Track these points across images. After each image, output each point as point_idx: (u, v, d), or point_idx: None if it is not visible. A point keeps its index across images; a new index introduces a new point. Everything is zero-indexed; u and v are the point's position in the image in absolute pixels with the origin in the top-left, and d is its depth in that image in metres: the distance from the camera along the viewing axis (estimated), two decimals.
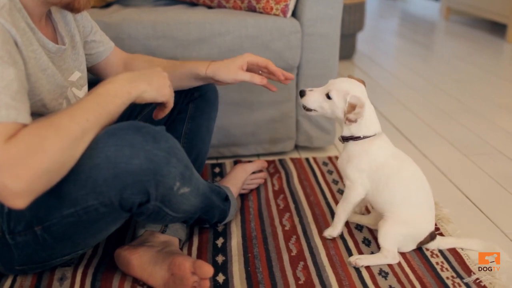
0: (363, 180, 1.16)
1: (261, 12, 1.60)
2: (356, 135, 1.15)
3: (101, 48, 1.18)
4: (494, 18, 3.85)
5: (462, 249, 1.19)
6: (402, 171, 1.15)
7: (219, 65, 1.17)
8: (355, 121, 1.11)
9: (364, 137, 1.14)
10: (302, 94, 1.18)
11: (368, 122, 1.14)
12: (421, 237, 1.16)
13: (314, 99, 1.16)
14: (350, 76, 1.18)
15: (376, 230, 1.22)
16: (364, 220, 1.29)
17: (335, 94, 1.13)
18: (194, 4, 1.74)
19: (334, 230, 1.22)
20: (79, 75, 1.06)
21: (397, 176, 1.14)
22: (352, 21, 2.99)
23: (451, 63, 3.17)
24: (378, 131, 1.16)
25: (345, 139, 1.17)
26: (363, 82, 1.17)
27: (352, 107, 1.10)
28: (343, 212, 1.20)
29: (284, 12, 1.57)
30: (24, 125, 0.75)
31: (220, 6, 1.67)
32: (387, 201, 1.15)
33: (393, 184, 1.14)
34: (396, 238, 1.14)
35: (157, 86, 0.95)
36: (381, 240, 1.14)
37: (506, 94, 2.54)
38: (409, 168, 1.17)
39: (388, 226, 1.13)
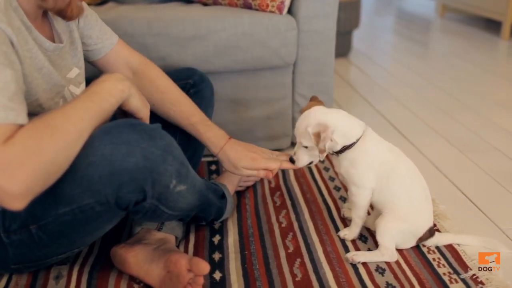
0: (368, 181, 1.14)
1: (257, 9, 1.60)
2: (349, 143, 1.12)
3: (99, 45, 1.15)
4: (489, 16, 3.86)
5: (458, 245, 1.19)
6: (399, 166, 1.15)
7: (229, 158, 1.15)
8: (325, 149, 1.06)
9: (357, 140, 1.12)
10: (291, 161, 1.16)
11: (350, 127, 1.11)
12: (420, 233, 1.15)
13: (301, 158, 1.14)
14: (312, 100, 1.16)
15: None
16: (366, 221, 1.28)
17: (304, 140, 1.11)
18: (189, 1, 1.74)
19: (351, 234, 1.21)
20: (78, 71, 1.05)
21: (395, 173, 1.14)
22: (348, 19, 2.99)
23: (447, 60, 3.18)
24: (364, 127, 1.14)
25: (339, 152, 1.14)
26: (321, 103, 1.16)
27: (317, 136, 1.06)
28: (358, 217, 1.19)
29: (280, 9, 1.57)
30: (22, 126, 0.74)
31: (216, 3, 1.67)
32: (387, 199, 1.15)
33: (392, 181, 1.14)
34: (394, 235, 1.13)
35: (143, 100, 0.97)
36: (379, 237, 1.14)
37: (501, 91, 2.54)
38: (404, 163, 1.17)
39: (386, 222, 1.13)
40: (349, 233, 1.21)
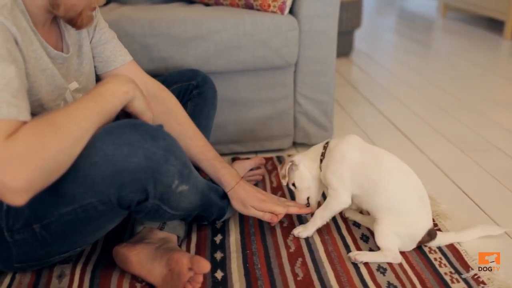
0: (344, 182, 1.15)
1: (258, 9, 1.60)
2: (317, 162, 1.23)
3: (110, 59, 1.14)
4: (491, 15, 3.86)
5: (460, 244, 1.19)
6: (380, 168, 1.14)
7: (238, 196, 1.17)
8: (285, 174, 1.22)
9: (323, 155, 1.21)
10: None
11: (308, 154, 1.25)
12: (419, 237, 1.14)
13: (299, 197, 1.26)
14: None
15: None
16: (365, 219, 1.28)
17: (295, 181, 1.25)
18: (191, 2, 1.74)
19: (306, 231, 1.22)
20: (76, 86, 1.05)
21: (378, 175, 1.13)
22: (350, 19, 2.99)
23: (449, 60, 3.18)
24: (323, 142, 1.24)
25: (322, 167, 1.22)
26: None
27: (281, 168, 1.25)
28: (321, 218, 1.21)
29: (281, 9, 1.57)
30: (24, 123, 0.75)
31: (217, 3, 1.67)
32: (380, 204, 1.14)
33: (378, 185, 1.13)
34: (392, 239, 1.12)
35: (147, 103, 0.97)
36: (378, 241, 1.13)
37: (503, 91, 2.54)
38: (387, 163, 1.15)
39: (382, 228, 1.12)
40: (304, 230, 1.22)
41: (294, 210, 1.21)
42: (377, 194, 1.13)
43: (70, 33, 1.03)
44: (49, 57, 0.94)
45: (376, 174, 1.13)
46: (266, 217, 1.16)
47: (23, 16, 0.86)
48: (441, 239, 1.19)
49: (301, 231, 1.22)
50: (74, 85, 1.04)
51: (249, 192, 1.18)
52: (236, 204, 1.19)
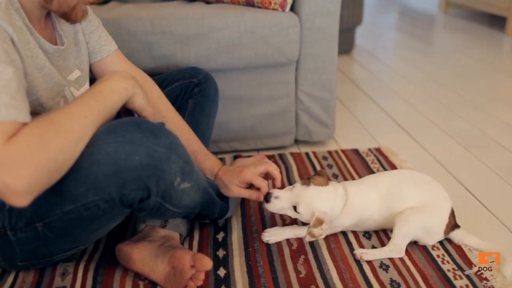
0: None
1: (259, 7, 1.60)
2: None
3: (96, 49, 1.14)
4: (493, 11, 3.84)
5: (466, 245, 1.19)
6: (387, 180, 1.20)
7: (223, 182, 1.15)
8: (319, 236, 1.10)
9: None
10: (267, 199, 1.13)
11: (340, 204, 1.16)
12: (445, 218, 1.14)
13: (279, 207, 1.14)
14: (318, 174, 1.18)
15: (381, 231, 1.25)
16: None
17: (303, 209, 1.12)
18: None
19: (272, 238, 1.21)
20: (79, 74, 1.05)
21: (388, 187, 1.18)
22: (351, 16, 2.99)
23: (450, 56, 3.17)
24: (343, 193, 1.18)
25: None
26: (327, 177, 1.18)
27: (319, 222, 1.09)
28: (294, 235, 1.22)
29: (282, 7, 1.57)
30: (24, 124, 0.75)
31: (218, 1, 1.67)
32: (395, 209, 1.17)
33: (394, 196, 1.17)
34: (409, 232, 1.13)
35: (147, 99, 0.96)
36: (396, 229, 1.13)
37: (505, 87, 2.54)
38: (378, 175, 1.23)
39: (406, 216, 1.13)
40: (269, 236, 1.21)
41: (273, 170, 1.15)
42: (394, 202, 1.16)
43: (62, 22, 1.02)
44: (45, 54, 0.93)
45: (388, 190, 1.18)
46: (253, 196, 1.14)
47: (18, 14, 0.85)
48: (466, 238, 1.18)
49: (268, 237, 1.20)
50: (76, 73, 1.04)
51: (228, 174, 1.15)
52: (223, 191, 1.16)
